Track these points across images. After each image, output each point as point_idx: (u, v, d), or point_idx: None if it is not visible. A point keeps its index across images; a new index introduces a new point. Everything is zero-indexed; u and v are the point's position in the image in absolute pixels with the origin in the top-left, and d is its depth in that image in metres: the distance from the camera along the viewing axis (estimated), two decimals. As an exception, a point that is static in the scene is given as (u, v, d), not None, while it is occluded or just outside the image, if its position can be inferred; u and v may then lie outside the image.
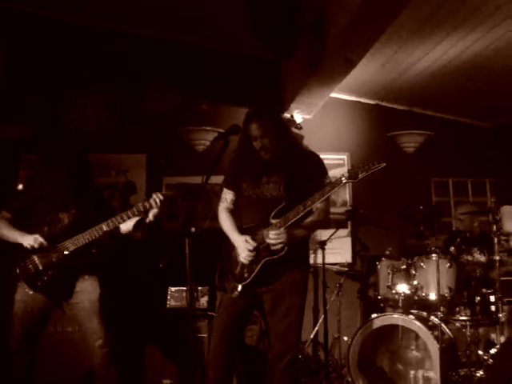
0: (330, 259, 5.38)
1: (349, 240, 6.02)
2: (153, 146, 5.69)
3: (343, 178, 3.01)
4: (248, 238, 3.23)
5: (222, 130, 5.71)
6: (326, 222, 3.38)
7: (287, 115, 5.78)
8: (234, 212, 3.45)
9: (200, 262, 4.03)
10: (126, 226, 3.66)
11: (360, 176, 2.98)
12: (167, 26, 5.44)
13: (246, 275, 3.24)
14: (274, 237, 3.13)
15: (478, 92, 5.82)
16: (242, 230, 3.32)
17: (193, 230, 2.81)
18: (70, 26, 5.49)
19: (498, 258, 4.35)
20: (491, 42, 4.68)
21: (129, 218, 3.49)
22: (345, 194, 6.07)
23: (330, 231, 4.94)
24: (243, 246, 3.22)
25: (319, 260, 4.89)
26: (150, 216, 3.53)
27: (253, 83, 5.75)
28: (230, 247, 3.33)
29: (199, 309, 5.06)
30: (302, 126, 5.79)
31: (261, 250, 3.21)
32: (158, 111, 5.43)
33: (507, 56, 4.90)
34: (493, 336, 4.63)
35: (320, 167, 3.35)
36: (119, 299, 4.52)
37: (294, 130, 5.71)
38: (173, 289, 5.01)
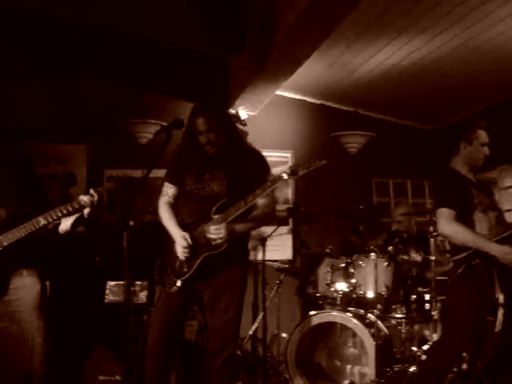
0: (270, 256, 5.39)
1: (290, 237, 6.07)
2: (95, 137, 5.55)
3: (284, 175, 3.03)
4: (186, 234, 3.21)
5: (166, 124, 5.62)
6: (270, 216, 3.38)
7: (232, 111, 5.77)
8: (175, 207, 3.42)
9: (140, 255, 3.97)
10: (65, 226, 3.53)
11: (300, 173, 3.01)
12: (116, 15, 5.32)
13: (185, 270, 3.22)
14: (214, 232, 3.12)
15: (421, 96, 5.97)
16: (183, 225, 3.29)
17: (131, 223, 2.74)
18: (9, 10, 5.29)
19: (433, 257, 4.48)
20: (432, 50, 4.82)
21: (68, 211, 3.37)
22: (287, 192, 6.12)
23: (272, 228, 4.95)
24: (180, 242, 3.20)
25: (260, 256, 4.90)
26: (85, 213, 3.41)
27: (199, 78, 5.71)
28: (170, 242, 3.30)
29: (138, 303, 4.99)
30: (247, 123, 5.78)
31: (201, 245, 3.19)
32: (99, 102, 5.31)
33: (448, 63, 5.05)
34: (427, 333, 4.75)
35: (262, 164, 3.36)
36: (57, 294, 4.40)
37: (239, 127, 5.71)
38: (111, 283, 4.92)
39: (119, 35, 5.56)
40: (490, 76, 5.27)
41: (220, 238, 3.12)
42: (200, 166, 3.31)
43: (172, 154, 3.42)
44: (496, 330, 3.31)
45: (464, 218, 3.43)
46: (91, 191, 3.27)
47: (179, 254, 3.22)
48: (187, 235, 3.20)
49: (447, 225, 3.42)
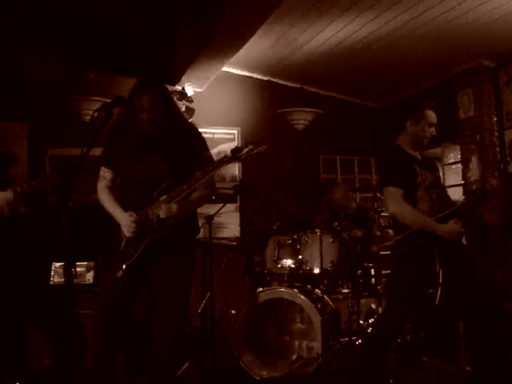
0: (218, 233, 5.40)
1: (237, 215, 6.09)
2: (36, 115, 5.40)
3: (225, 158, 3.00)
4: (132, 212, 3.16)
5: (109, 101, 5.51)
6: (212, 194, 3.36)
7: (178, 88, 5.69)
8: (114, 190, 3.35)
9: (87, 235, 3.90)
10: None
11: (243, 157, 2.98)
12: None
13: (130, 254, 3.18)
14: (164, 210, 3.08)
15: (367, 73, 6.02)
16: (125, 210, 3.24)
17: (70, 203, 2.67)
18: None
19: (378, 233, 4.56)
20: (378, 26, 4.84)
21: None
22: (234, 169, 6.10)
23: (218, 206, 4.94)
24: (127, 220, 3.15)
25: (207, 234, 4.88)
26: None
27: (144, 53, 5.58)
28: (115, 225, 3.25)
29: (85, 284, 4.92)
30: (193, 100, 5.72)
31: (144, 229, 3.15)
32: (39, 79, 5.14)
33: (393, 41, 5.10)
34: (373, 306, 4.86)
35: (201, 143, 3.32)
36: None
37: (185, 103, 5.64)
38: (57, 264, 4.85)
39: (61, 10, 5.36)
40: (434, 54, 5.34)
41: (171, 215, 3.09)
42: (137, 148, 3.22)
43: (107, 135, 3.31)
44: (436, 304, 3.39)
45: (408, 197, 3.48)
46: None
47: (128, 233, 3.16)
48: (133, 213, 3.15)
49: (396, 204, 3.45)
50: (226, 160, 2.99)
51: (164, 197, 3.11)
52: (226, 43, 4.67)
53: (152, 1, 4.63)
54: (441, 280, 3.37)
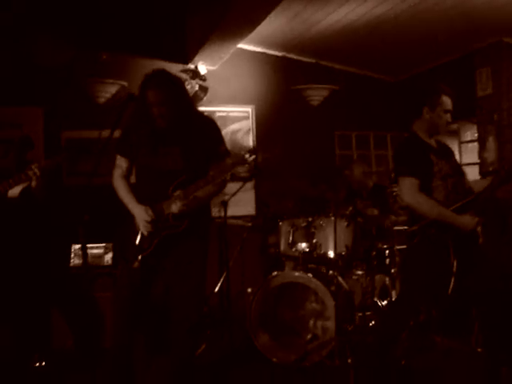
0: (234, 211, 5.40)
1: (252, 192, 6.10)
2: (50, 99, 5.41)
3: (246, 156, 3.01)
4: (148, 208, 3.18)
5: (123, 82, 5.50)
6: (220, 191, 3.38)
7: (191, 66, 5.65)
8: (129, 179, 3.37)
9: (106, 217, 3.95)
10: (13, 193, 3.51)
11: (260, 158, 3.01)
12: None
13: (145, 246, 3.22)
14: (179, 206, 3.12)
15: (383, 47, 5.92)
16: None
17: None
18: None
19: (393, 216, 4.56)
20: (397, 3, 4.73)
21: (16, 184, 3.40)
22: (248, 142, 6.05)
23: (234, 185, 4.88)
24: (142, 217, 3.18)
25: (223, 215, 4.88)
26: (32, 184, 3.43)
27: (157, 34, 5.55)
28: (129, 216, 3.28)
29: (104, 266, 5.00)
30: (207, 78, 5.68)
31: (160, 223, 3.19)
32: (53, 63, 5.13)
33: (409, 17, 5.01)
34: (387, 282, 4.89)
35: (217, 135, 3.32)
36: (18, 259, 4.38)
37: (199, 82, 5.61)
38: (77, 246, 4.92)
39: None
40: (454, 29, 5.22)
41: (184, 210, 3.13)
42: (153, 140, 3.22)
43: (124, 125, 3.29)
44: (449, 292, 3.42)
45: (423, 186, 3.45)
46: (33, 167, 3.29)
47: (142, 229, 3.20)
48: (149, 209, 3.18)
49: (411, 195, 3.43)
50: (248, 158, 3.00)
51: (178, 192, 3.14)
52: (239, 25, 4.61)
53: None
54: (454, 270, 3.39)
